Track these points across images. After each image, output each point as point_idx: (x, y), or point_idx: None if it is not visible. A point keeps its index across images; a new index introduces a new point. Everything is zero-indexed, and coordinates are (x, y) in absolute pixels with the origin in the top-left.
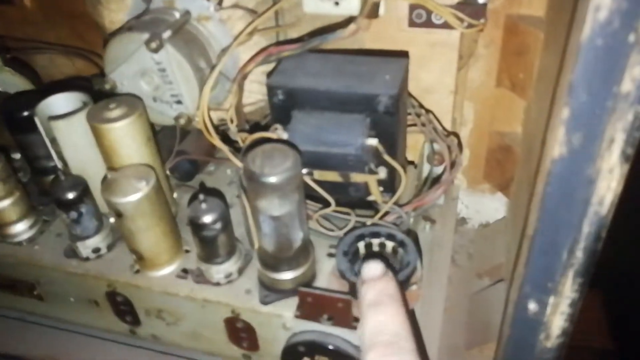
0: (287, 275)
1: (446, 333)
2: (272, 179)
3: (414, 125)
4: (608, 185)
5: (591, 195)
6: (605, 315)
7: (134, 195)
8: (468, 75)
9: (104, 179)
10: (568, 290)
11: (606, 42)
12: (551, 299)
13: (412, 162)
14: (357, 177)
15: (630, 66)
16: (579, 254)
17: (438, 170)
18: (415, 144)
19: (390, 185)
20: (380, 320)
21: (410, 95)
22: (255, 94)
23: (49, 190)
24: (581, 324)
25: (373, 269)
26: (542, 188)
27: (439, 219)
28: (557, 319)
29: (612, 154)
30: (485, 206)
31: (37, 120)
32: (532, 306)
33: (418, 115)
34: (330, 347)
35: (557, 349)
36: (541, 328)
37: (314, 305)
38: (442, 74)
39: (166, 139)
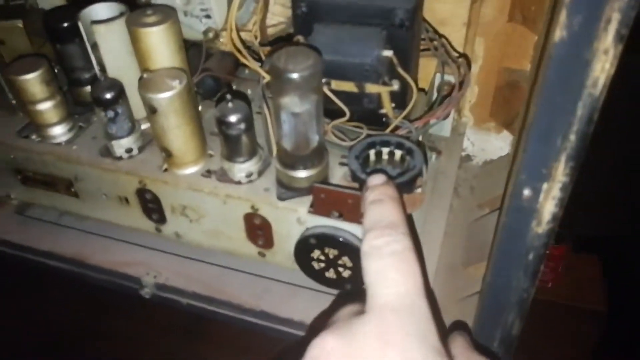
0: (302, 174)
1: (445, 254)
2: (295, 75)
3: (427, 50)
4: (602, 66)
5: (586, 77)
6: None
7: (168, 92)
8: (481, 10)
9: (141, 78)
10: (560, 174)
11: None
12: (545, 185)
13: (423, 90)
14: (371, 88)
15: None
16: (572, 137)
17: None
18: (427, 76)
19: (401, 102)
20: (379, 212)
21: (425, 20)
22: (277, 16)
23: (84, 100)
24: (577, 286)
25: (377, 178)
26: (543, 74)
27: (445, 150)
28: (549, 204)
29: (608, 35)
30: (491, 144)
31: (80, 26)
32: (527, 192)
33: (431, 40)
34: (340, 239)
35: (547, 235)
36: (534, 215)
37: (326, 201)
38: (456, 5)
39: (192, 59)
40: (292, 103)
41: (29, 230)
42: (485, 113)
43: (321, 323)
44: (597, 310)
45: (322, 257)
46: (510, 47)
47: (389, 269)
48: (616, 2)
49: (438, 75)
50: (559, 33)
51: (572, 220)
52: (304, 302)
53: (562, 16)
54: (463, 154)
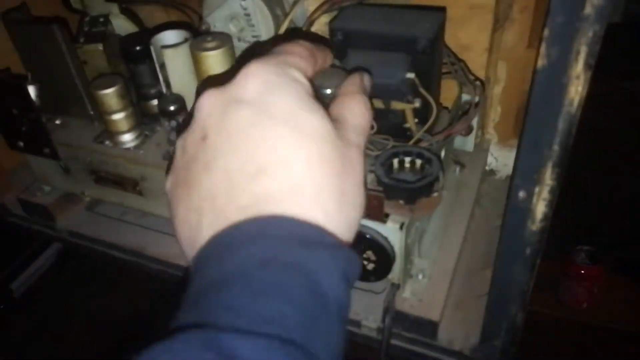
0: None
1: (466, 257)
2: (328, 90)
3: (449, 73)
4: (576, 89)
5: (564, 98)
6: (638, 303)
7: None
8: (503, 37)
9: (197, 90)
10: (548, 178)
11: None
12: (536, 189)
13: (446, 108)
14: (396, 105)
15: None
16: (556, 147)
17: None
18: (452, 95)
19: (424, 118)
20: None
21: (446, 47)
22: None
23: (150, 112)
24: (614, 308)
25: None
26: (529, 94)
27: (468, 164)
28: (540, 205)
29: (578, 63)
30: (513, 160)
31: (152, 49)
32: (522, 194)
33: (452, 64)
34: (367, 235)
35: (540, 232)
36: (528, 214)
37: None
38: (478, 33)
39: None
40: None
41: (97, 225)
42: (509, 131)
43: None
44: (633, 333)
45: None
46: (530, 70)
47: None
48: (583, 38)
49: (463, 96)
50: (540, 62)
51: (613, 242)
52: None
53: (543, 48)
54: (487, 168)
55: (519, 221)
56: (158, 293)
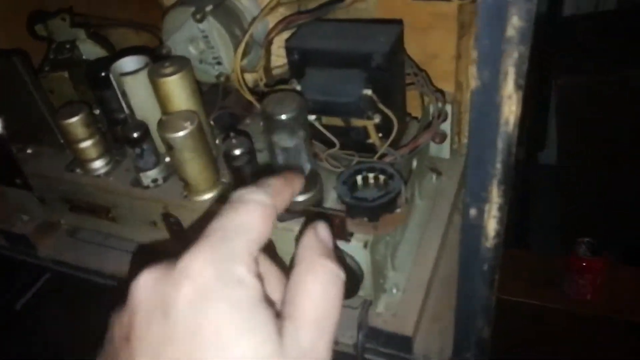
0: (298, 199)
1: (443, 267)
2: (282, 117)
3: (412, 84)
4: (509, 108)
5: (499, 117)
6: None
7: (181, 132)
8: (470, 42)
9: (160, 120)
10: (495, 196)
11: (495, 2)
12: (486, 206)
13: (416, 118)
14: (356, 122)
15: (509, 17)
16: (498, 165)
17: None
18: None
19: (388, 132)
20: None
21: (409, 57)
22: (284, 57)
23: (120, 137)
24: (620, 299)
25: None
26: (470, 115)
27: (446, 171)
28: (491, 222)
29: (508, 84)
30: None
31: (111, 77)
32: (473, 212)
33: (415, 75)
34: None
35: (495, 250)
36: (481, 231)
37: None
38: (444, 41)
39: (212, 97)
40: (281, 139)
41: (79, 251)
42: None
43: None
44: (638, 323)
45: None
46: None
47: None
48: (509, 59)
49: (431, 106)
50: (474, 83)
51: (616, 232)
52: None
53: (473, 70)
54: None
55: (473, 239)
56: None
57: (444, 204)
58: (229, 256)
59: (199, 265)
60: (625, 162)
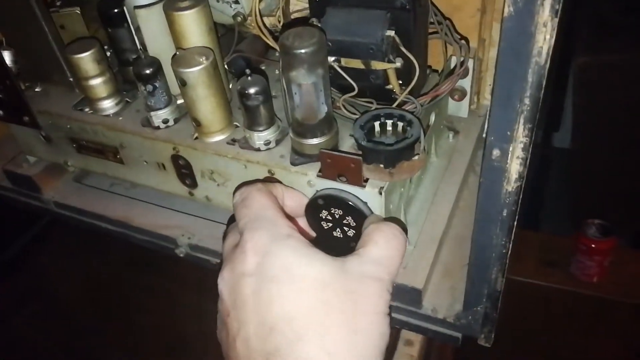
0: (313, 141)
1: (457, 224)
2: (300, 50)
3: (435, 33)
4: (544, 37)
5: (532, 48)
6: None
7: (196, 67)
8: None
9: (174, 55)
10: (521, 135)
11: None
12: (510, 146)
13: (436, 70)
14: (377, 65)
15: None
16: (527, 101)
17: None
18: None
19: (407, 79)
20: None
21: (433, 4)
22: (301, 2)
23: (131, 78)
24: (626, 282)
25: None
26: (499, 46)
27: (463, 130)
28: (515, 164)
29: (545, 9)
30: None
31: (125, 10)
32: (496, 152)
33: (439, 23)
34: (343, 199)
35: (516, 193)
36: (503, 174)
37: (332, 166)
38: None
39: (227, 42)
40: (299, 76)
41: (84, 196)
42: None
43: None
44: None
45: (330, 217)
46: None
47: None
48: None
49: (453, 58)
50: (507, 9)
51: (628, 216)
52: None
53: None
54: (485, 135)
55: (496, 181)
56: (141, 261)
57: (460, 163)
58: (270, 225)
59: (255, 238)
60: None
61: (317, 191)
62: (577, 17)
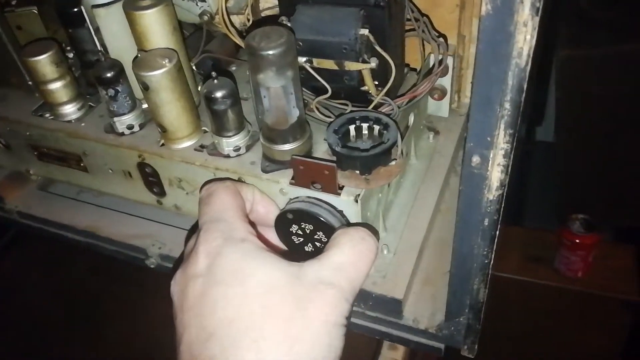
0: (284, 147)
1: (438, 229)
2: (267, 52)
3: (412, 30)
4: (524, 37)
5: (512, 49)
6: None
7: (159, 70)
8: None
9: (135, 57)
10: (501, 141)
11: None
12: (491, 153)
13: (414, 69)
14: (351, 66)
15: None
16: (507, 105)
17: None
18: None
19: (384, 79)
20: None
21: (410, 1)
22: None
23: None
24: (610, 276)
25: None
26: (476, 47)
27: (443, 131)
28: (495, 171)
29: (525, 7)
30: None
31: (83, 10)
32: (475, 159)
33: (416, 20)
34: (313, 214)
35: (498, 201)
36: (484, 181)
37: (305, 173)
38: None
39: (194, 42)
40: (267, 79)
41: (49, 205)
42: None
43: None
44: (630, 301)
45: (300, 232)
46: None
47: None
48: None
49: (431, 56)
50: (484, 7)
51: (612, 211)
52: None
53: None
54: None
55: (475, 189)
56: (109, 271)
57: (441, 165)
58: (226, 227)
59: (208, 240)
60: (623, 140)
61: (288, 202)
62: (559, 10)
